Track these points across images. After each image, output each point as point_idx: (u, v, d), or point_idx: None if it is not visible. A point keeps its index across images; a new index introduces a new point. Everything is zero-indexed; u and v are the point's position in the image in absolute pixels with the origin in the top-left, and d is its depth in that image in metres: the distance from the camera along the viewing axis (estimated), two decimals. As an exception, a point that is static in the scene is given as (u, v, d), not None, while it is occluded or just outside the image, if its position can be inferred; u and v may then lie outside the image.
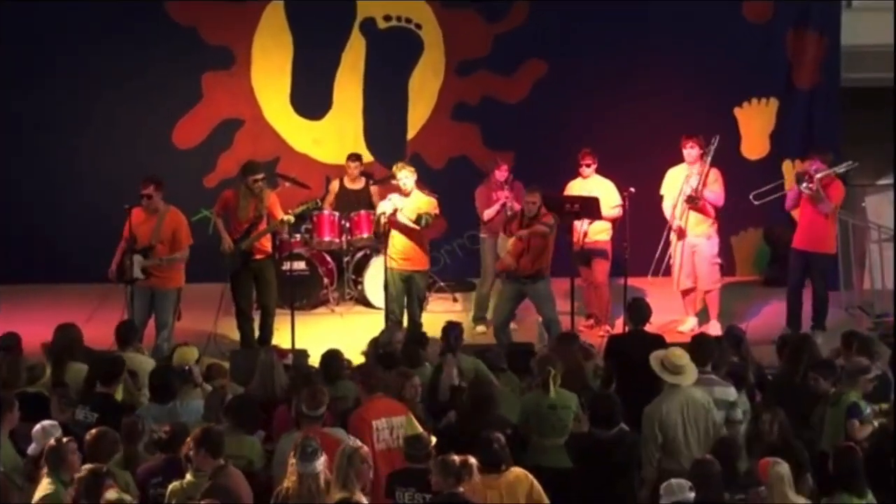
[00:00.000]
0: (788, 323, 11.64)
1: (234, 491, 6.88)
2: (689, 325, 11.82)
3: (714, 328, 11.43)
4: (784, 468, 7.01)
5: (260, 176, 11.17)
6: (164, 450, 7.45)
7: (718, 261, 11.83)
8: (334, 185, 12.93)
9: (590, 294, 12.07)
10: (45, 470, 7.08)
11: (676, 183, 11.70)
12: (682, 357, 8.15)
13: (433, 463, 6.93)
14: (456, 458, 6.88)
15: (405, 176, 11.33)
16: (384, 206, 11.29)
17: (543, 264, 11.05)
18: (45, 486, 6.99)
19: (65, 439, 7.17)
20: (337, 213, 12.55)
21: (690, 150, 11.61)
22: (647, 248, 12.12)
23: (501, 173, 12.00)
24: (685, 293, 11.89)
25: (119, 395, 8.81)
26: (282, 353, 9.44)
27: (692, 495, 6.78)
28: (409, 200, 11.31)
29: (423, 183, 12.77)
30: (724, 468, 7.22)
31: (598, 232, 11.76)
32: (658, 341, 9.28)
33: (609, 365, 9.41)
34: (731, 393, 8.41)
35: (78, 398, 8.48)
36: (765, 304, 12.45)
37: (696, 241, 11.71)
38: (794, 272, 11.67)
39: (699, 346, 8.67)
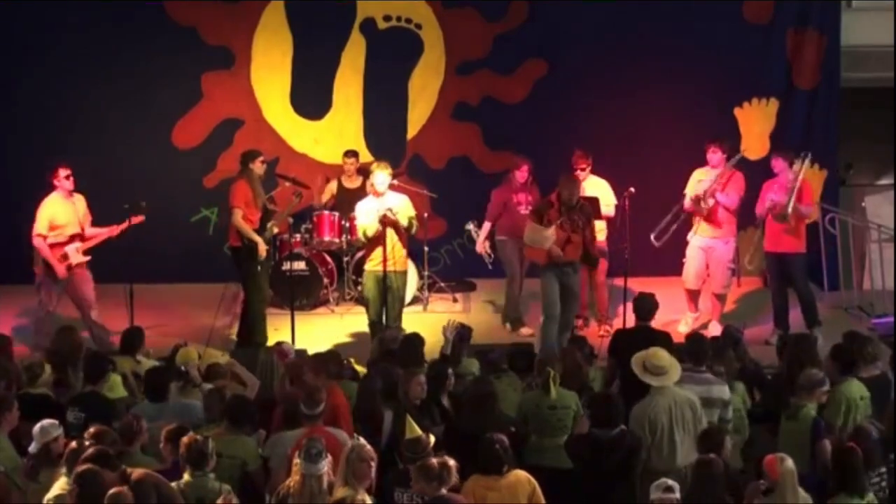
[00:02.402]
0: (776, 324, 11.65)
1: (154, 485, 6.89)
2: (688, 323, 11.83)
3: (714, 328, 11.43)
4: (792, 464, 6.99)
5: (263, 157, 11.37)
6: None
7: (733, 266, 11.83)
8: (332, 186, 12.93)
9: (583, 294, 12.01)
10: (63, 469, 7.04)
11: (697, 184, 11.70)
12: (663, 357, 8.14)
13: (413, 469, 6.91)
14: (434, 461, 6.87)
15: (383, 178, 11.15)
16: (367, 219, 11.08)
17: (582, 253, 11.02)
18: (61, 485, 6.97)
19: (86, 442, 7.16)
20: (337, 213, 12.55)
21: (713, 155, 11.61)
22: (648, 248, 12.11)
23: (522, 174, 11.92)
24: (690, 291, 11.89)
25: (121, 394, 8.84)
26: (283, 353, 9.42)
27: (675, 496, 6.79)
28: (387, 202, 11.10)
29: (423, 182, 12.82)
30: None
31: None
32: (664, 337, 9.26)
33: (611, 363, 9.41)
34: (725, 392, 8.45)
35: (67, 402, 8.48)
36: (764, 304, 12.44)
37: (712, 244, 11.70)
38: (773, 275, 11.69)
39: (694, 346, 8.69)
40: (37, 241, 10.99)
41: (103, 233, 11.19)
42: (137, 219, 11.09)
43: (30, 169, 13.26)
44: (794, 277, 11.57)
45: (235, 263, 11.39)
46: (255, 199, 11.21)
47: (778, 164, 11.50)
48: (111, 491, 6.58)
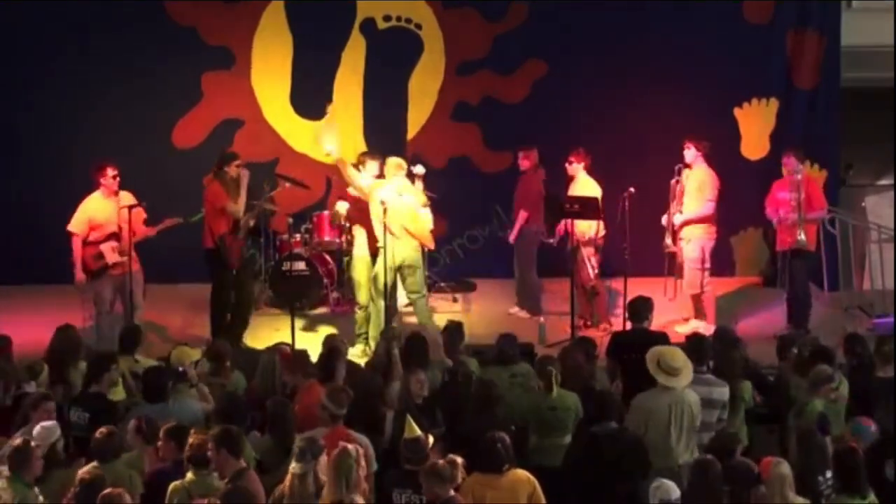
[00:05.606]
0: (790, 322, 11.64)
1: (250, 494, 6.87)
2: (690, 326, 11.78)
3: (706, 331, 11.39)
4: (785, 468, 7.00)
5: (240, 161, 11.20)
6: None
7: (699, 266, 11.73)
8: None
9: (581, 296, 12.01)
10: (3, 468, 7.01)
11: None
12: (679, 359, 8.11)
13: (423, 473, 6.90)
14: (443, 462, 6.87)
15: (375, 169, 11.36)
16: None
17: None
18: (2, 486, 6.93)
19: (33, 443, 7.14)
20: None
21: (687, 152, 11.62)
22: (647, 248, 12.11)
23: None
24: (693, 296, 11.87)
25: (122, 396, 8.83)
26: (285, 354, 9.41)
27: (677, 494, 6.79)
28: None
29: (423, 182, 12.81)
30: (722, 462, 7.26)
31: (584, 233, 11.76)
32: (661, 339, 9.25)
33: (611, 364, 9.41)
34: (725, 393, 8.43)
35: (69, 400, 8.47)
36: (764, 304, 12.45)
37: (681, 245, 11.71)
38: (784, 273, 11.68)
39: (696, 347, 8.68)
40: (73, 241, 10.88)
41: (146, 231, 11.07)
42: (173, 221, 11.07)
43: (30, 169, 13.32)
44: (794, 274, 11.57)
45: (206, 263, 11.33)
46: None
47: (790, 162, 11.48)
48: (105, 491, 6.59)
